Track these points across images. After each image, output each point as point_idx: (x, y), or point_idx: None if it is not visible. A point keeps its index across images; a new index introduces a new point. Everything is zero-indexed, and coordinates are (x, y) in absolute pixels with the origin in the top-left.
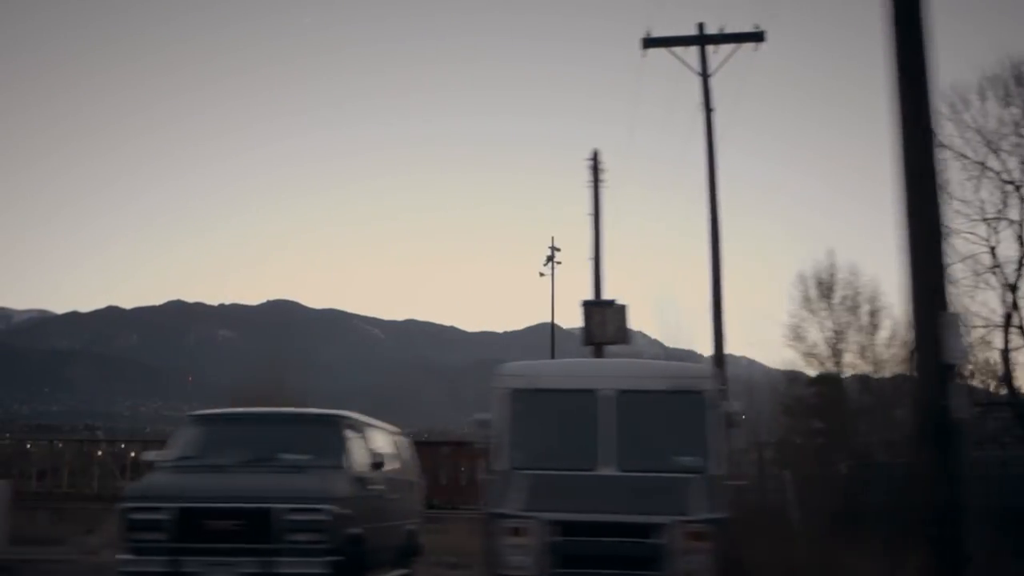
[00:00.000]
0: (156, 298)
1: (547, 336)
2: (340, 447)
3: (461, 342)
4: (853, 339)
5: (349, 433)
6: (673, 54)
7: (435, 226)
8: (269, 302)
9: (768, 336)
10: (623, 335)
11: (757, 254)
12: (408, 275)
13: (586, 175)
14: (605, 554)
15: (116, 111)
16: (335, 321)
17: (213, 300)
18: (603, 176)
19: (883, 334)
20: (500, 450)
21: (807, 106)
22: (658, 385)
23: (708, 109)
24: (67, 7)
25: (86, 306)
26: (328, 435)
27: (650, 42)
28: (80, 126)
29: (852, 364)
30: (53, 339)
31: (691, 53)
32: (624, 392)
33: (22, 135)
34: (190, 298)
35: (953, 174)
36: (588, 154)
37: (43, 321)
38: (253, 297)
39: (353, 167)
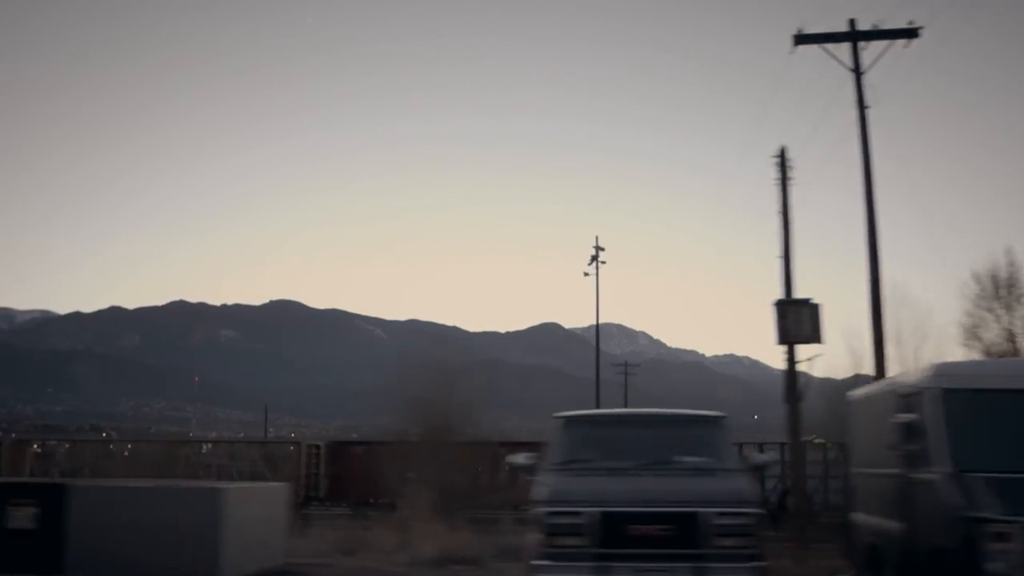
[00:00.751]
0: (158, 298)
1: (549, 336)
2: (730, 448)
3: (464, 342)
4: None
5: (730, 434)
6: (825, 50)
7: (437, 226)
8: (272, 302)
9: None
10: (817, 334)
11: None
12: (410, 275)
13: (773, 172)
14: None
15: (116, 111)
16: (337, 321)
17: (216, 300)
18: (791, 173)
19: None
20: (939, 452)
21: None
22: None
23: (862, 106)
24: (67, 7)
25: (89, 306)
26: (716, 436)
27: (801, 39)
28: (80, 126)
29: None
30: (56, 339)
31: (842, 50)
32: None
33: (22, 135)
34: (192, 298)
35: None
36: (775, 151)
37: (46, 321)
38: (256, 297)
39: (353, 167)
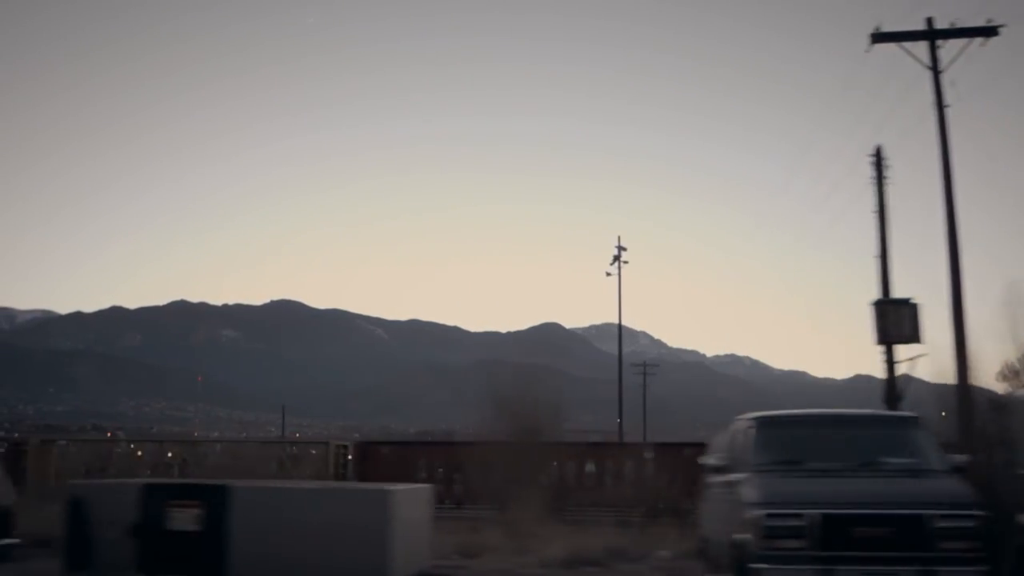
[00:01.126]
0: (160, 298)
1: (550, 336)
2: (936, 449)
3: (465, 342)
4: None
5: (931, 435)
6: (903, 48)
7: (437, 226)
8: (273, 302)
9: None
10: (917, 334)
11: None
12: (411, 275)
13: (868, 171)
14: None
15: (117, 111)
16: (338, 321)
17: (217, 300)
18: (887, 172)
19: None
20: None
21: None
22: None
23: (941, 105)
24: (67, 7)
25: (90, 306)
26: (918, 437)
27: (878, 37)
28: (81, 126)
29: None
30: (57, 339)
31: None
32: None
33: (22, 135)
34: (194, 298)
35: None
36: (871, 150)
37: (47, 321)
38: (257, 297)
39: (353, 167)
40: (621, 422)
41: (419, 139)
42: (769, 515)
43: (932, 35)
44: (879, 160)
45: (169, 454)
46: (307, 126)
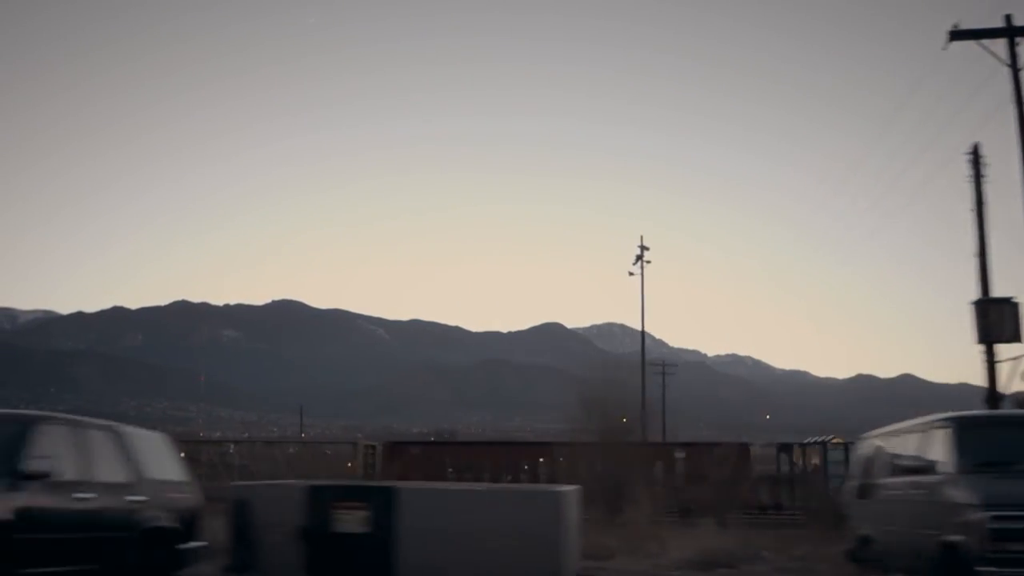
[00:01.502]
0: (161, 298)
1: (552, 336)
2: None
3: (466, 342)
4: None
5: None
6: (982, 46)
7: (437, 226)
8: (274, 302)
9: None
10: (1018, 334)
11: None
12: (411, 275)
13: (965, 169)
14: None
15: (117, 111)
16: (339, 321)
17: (218, 300)
18: (984, 171)
19: None
20: None
21: None
22: None
23: (1021, 103)
24: (67, 7)
25: (91, 306)
26: None
27: (957, 34)
28: (81, 126)
29: None
30: (58, 339)
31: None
32: None
33: (22, 135)
34: (195, 298)
35: None
36: (968, 149)
37: (48, 321)
38: (258, 297)
39: (353, 167)
40: (644, 423)
41: (419, 139)
42: (995, 517)
43: (1011, 32)
44: (976, 158)
45: (181, 454)
46: (307, 126)
